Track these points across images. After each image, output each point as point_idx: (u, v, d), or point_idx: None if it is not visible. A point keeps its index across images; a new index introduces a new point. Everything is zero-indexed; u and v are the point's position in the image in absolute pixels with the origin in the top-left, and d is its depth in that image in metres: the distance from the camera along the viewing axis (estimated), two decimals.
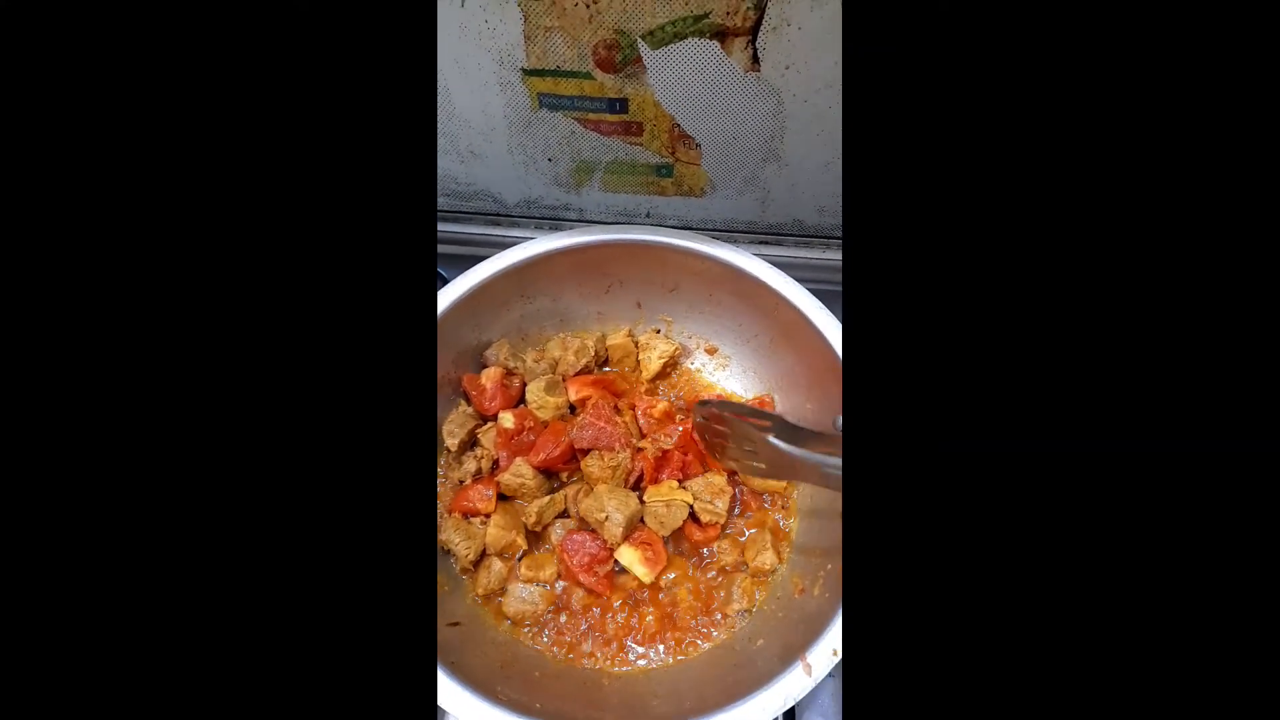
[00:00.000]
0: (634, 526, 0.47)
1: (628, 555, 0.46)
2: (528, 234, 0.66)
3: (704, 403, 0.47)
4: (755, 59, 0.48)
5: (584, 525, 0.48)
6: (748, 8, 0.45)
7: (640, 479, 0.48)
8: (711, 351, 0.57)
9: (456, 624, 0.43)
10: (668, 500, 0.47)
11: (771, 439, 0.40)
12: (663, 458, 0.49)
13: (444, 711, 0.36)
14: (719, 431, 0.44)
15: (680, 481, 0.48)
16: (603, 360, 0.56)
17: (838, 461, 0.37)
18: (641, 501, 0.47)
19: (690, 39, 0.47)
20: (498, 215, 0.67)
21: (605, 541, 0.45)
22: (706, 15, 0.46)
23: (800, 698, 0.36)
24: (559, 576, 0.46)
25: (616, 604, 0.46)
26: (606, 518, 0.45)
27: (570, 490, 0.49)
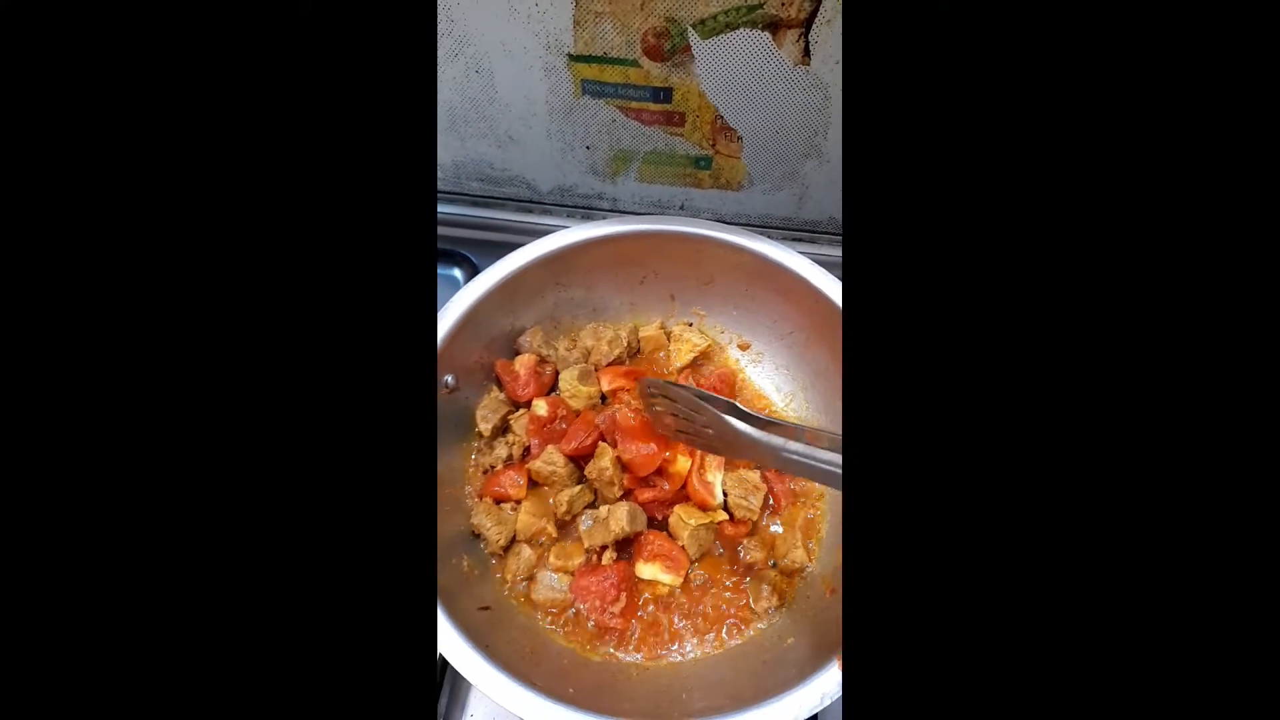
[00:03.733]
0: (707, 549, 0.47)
1: (648, 570, 0.45)
2: (559, 222, 0.66)
3: (650, 381, 0.46)
4: (806, 52, 0.48)
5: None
6: None
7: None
8: (744, 347, 0.57)
9: (486, 608, 0.43)
10: (706, 523, 0.46)
11: (724, 416, 0.41)
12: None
13: (475, 691, 0.36)
14: (666, 406, 0.44)
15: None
16: (635, 351, 0.56)
17: (798, 447, 0.38)
18: (660, 519, 0.47)
19: (742, 29, 0.47)
20: (530, 202, 0.66)
21: (613, 578, 0.44)
22: (761, 5, 0.45)
23: (837, 695, 0.36)
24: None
25: (644, 603, 0.46)
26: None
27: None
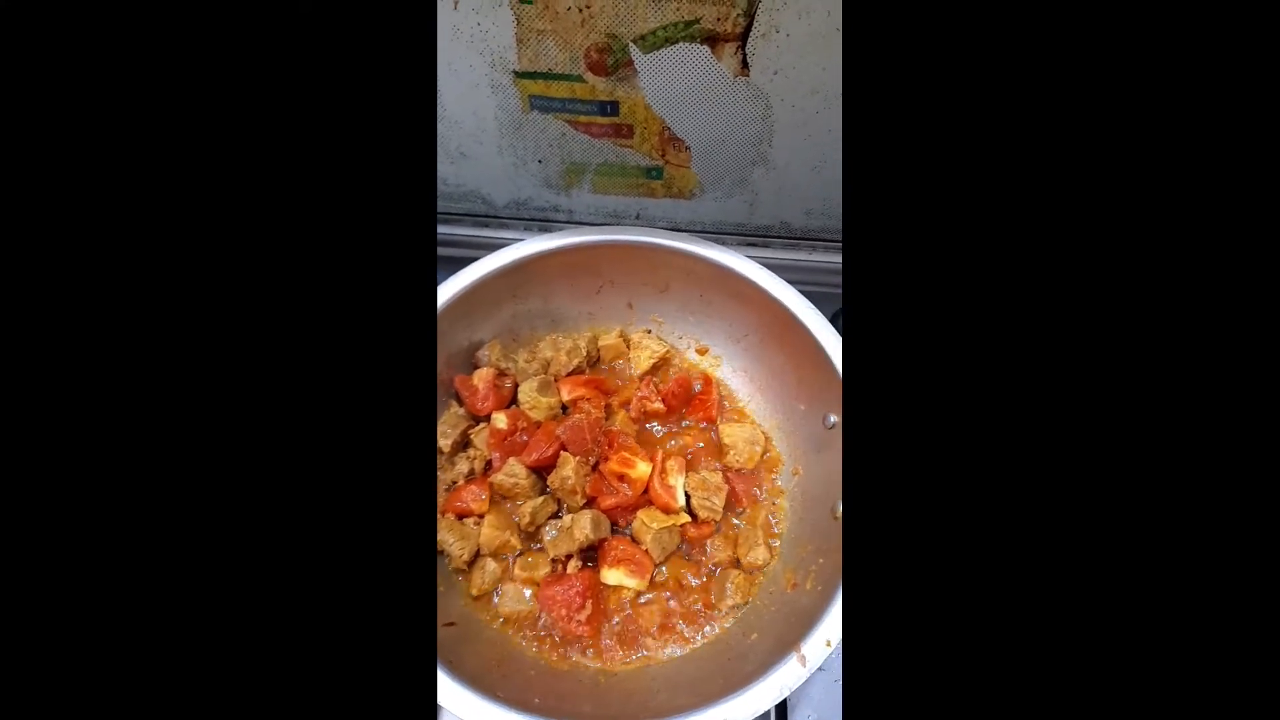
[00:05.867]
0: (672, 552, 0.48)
1: (613, 576, 0.46)
2: (517, 235, 0.66)
3: None
4: (745, 64, 0.49)
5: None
6: (738, 14, 0.46)
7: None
8: (702, 352, 0.58)
9: (451, 624, 0.43)
10: (669, 526, 0.47)
11: None
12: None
13: (442, 710, 0.36)
14: None
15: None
16: (594, 360, 0.56)
17: None
18: (623, 525, 0.48)
19: (681, 43, 0.48)
20: (487, 217, 0.67)
21: (578, 586, 0.45)
22: (697, 21, 0.47)
23: (795, 687, 0.37)
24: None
25: (610, 608, 0.46)
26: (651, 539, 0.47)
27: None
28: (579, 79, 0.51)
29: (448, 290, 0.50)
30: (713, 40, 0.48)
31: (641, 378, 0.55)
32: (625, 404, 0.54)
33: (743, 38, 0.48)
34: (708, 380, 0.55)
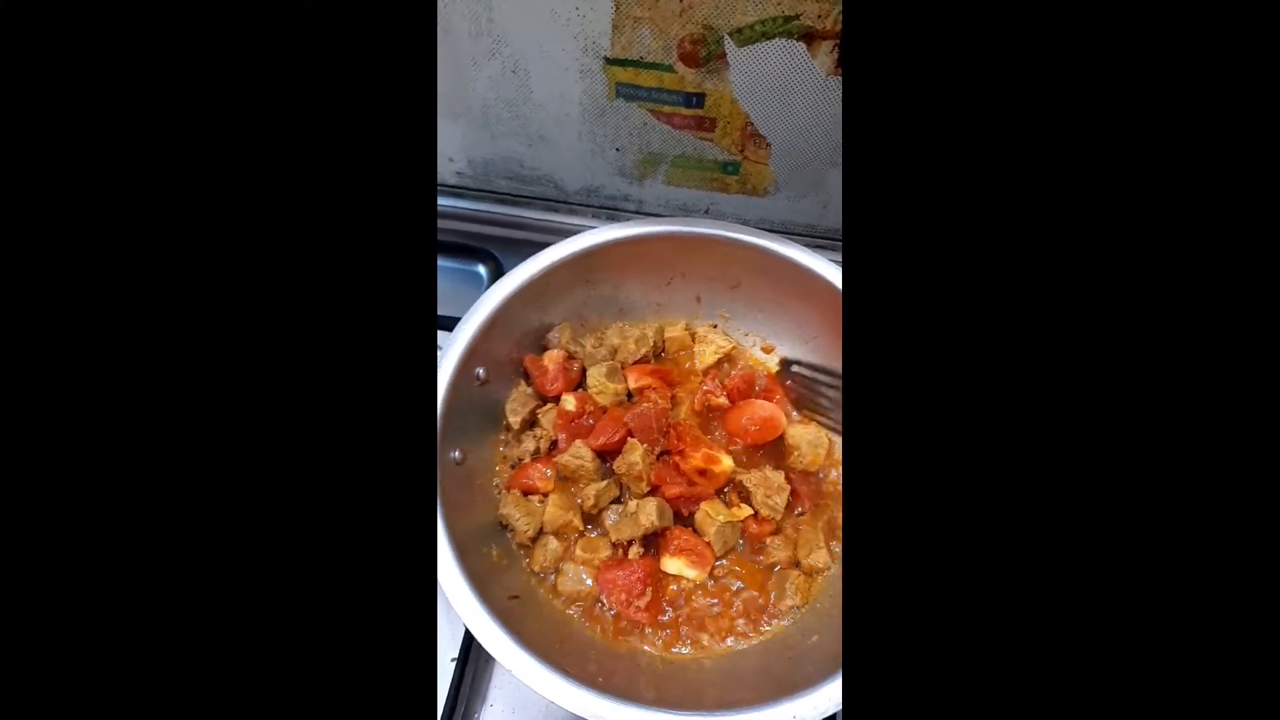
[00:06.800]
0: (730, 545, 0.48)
1: (674, 565, 0.46)
2: (585, 222, 0.67)
3: (790, 363, 0.51)
4: (839, 63, 0.49)
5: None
6: (839, 12, 0.46)
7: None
8: (768, 350, 0.57)
9: (515, 597, 0.44)
10: (731, 520, 0.47)
11: None
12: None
13: (498, 668, 0.37)
14: (816, 394, 0.50)
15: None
16: (659, 351, 0.57)
17: None
18: (685, 515, 0.48)
19: (778, 39, 0.48)
20: (556, 201, 0.67)
21: (640, 572, 0.45)
22: (797, 17, 0.46)
23: None
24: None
25: (668, 597, 0.46)
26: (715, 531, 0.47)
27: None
28: (669, 69, 0.51)
29: (523, 272, 0.51)
30: (809, 37, 0.48)
31: (705, 372, 0.55)
32: (689, 396, 0.54)
33: (840, 35, 0.47)
34: (772, 378, 0.55)
